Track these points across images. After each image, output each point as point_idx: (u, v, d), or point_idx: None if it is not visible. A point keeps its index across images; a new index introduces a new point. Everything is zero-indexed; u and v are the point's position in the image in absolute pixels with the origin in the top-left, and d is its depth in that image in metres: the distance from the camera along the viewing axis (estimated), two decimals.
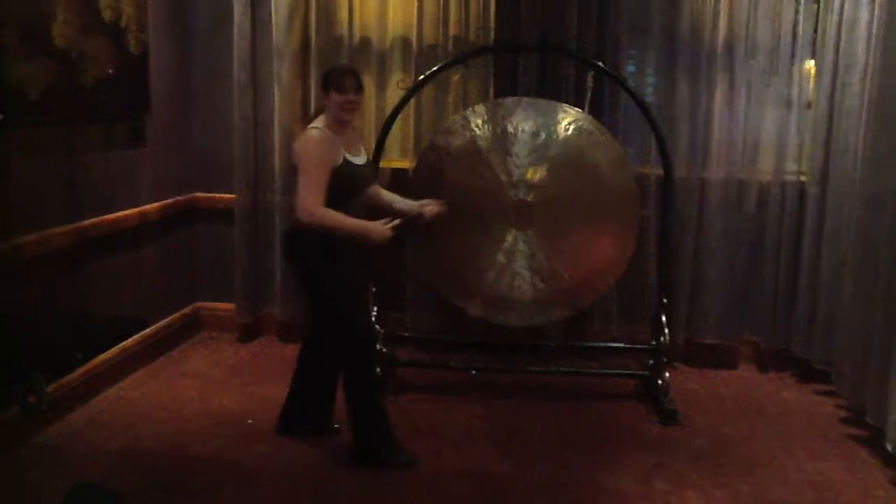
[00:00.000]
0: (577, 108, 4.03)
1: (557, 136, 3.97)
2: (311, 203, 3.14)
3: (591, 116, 4.01)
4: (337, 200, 3.19)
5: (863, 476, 3.32)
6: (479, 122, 4.01)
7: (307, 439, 3.48)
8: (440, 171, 3.99)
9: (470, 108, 4.13)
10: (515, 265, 4.00)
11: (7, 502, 2.98)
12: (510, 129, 3.97)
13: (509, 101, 4.07)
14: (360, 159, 3.35)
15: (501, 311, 4.07)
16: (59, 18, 3.44)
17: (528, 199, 3.96)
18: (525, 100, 4.10)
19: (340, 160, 3.22)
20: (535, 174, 3.95)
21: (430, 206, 3.59)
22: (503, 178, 3.97)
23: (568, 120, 3.98)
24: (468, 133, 4.02)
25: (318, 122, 3.28)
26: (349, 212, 3.23)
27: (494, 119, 4.01)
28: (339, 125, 3.27)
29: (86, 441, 3.44)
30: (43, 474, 3.14)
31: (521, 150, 3.94)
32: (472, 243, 4.02)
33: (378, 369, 3.42)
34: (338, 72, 3.32)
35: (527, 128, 3.97)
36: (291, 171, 3.31)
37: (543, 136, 3.97)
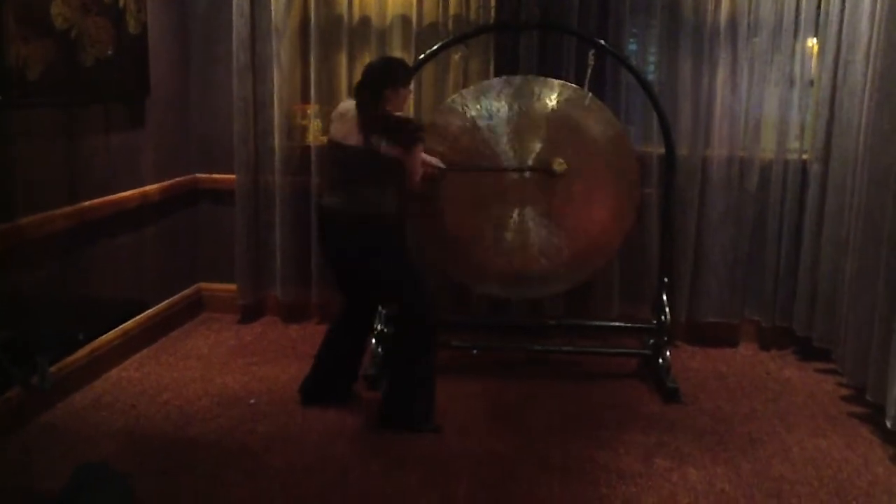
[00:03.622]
0: (575, 85, 4.01)
1: (555, 111, 3.95)
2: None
3: (591, 94, 3.99)
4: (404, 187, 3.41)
5: (863, 453, 3.33)
6: (479, 100, 4.00)
7: (309, 420, 3.50)
8: (440, 149, 3.98)
9: (470, 87, 4.10)
10: (516, 240, 4.00)
11: (11, 483, 2.99)
12: (512, 106, 3.95)
13: (509, 79, 4.05)
14: None
15: (503, 286, 4.08)
16: None
17: (527, 175, 3.96)
18: (519, 78, 4.08)
19: None
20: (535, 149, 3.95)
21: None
22: (502, 155, 3.95)
23: (564, 96, 3.97)
24: (468, 112, 4.00)
25: None
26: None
27: (494, 97, 3.99)
28: None
29: (88, 422, 3.46)
30: (46, 455, 3.16)
31: (520, 127, 3.92)
32: (471, 220, 4.02)
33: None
34: (404, 67, 3.43)
35: (524, 105, 3.95)
36: (375, 160, 3.31)
37: (540, 111, 3.96)
